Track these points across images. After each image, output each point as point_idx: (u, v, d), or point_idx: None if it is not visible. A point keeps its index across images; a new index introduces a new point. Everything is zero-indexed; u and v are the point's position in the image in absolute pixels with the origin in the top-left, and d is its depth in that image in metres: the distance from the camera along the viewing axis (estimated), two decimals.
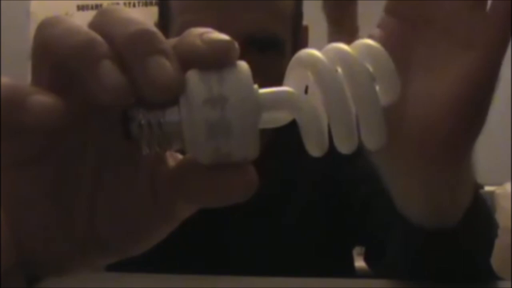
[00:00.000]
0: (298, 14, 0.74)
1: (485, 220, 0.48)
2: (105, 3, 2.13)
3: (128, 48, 0.24)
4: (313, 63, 0.27)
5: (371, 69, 0.27)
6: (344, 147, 0.27)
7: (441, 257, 0.48)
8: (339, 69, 0.27)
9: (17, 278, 0.27)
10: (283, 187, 0.75)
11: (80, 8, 2.18)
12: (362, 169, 0.63)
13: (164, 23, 0.72)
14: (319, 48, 0.27)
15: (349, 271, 0.79)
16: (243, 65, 0.25)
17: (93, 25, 0.26)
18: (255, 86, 0.26)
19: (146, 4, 2.15)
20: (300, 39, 0.74)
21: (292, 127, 0.28)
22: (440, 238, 0.46)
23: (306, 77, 0.27)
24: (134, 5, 2.16)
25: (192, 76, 0.25)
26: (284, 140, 0.63)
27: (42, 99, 0.24)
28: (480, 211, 0.49)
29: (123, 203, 0.28)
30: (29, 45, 0.26)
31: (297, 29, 0.74)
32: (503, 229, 0.38)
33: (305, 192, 0.75)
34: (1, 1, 2.21)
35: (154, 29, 0.25)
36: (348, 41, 0.28)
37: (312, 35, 0.75)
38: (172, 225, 0.29)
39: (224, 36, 0.25)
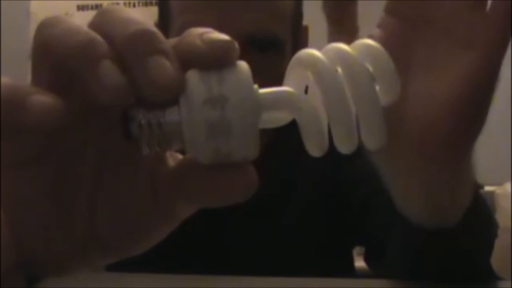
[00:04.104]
0: (298, 14, 0.74)
1: (485, 220, 0.48)
2: (105, 3, 2.13)
3: (128, 48, 0.24)
4: (313, 63, 0.27)
5: (371, 69, 0.27)
6: (344, 147, 0.27)
7: (441, 257, 0.48)
8: (339, 69, 0.27)
9: (17, 278, 0.27)
10: (283, 187, 0.75)
11: (80, 8, 2.18)
12: (362, 169, 0.63)
13: (164, 23, 0.72)
14: (319, 48, 0.27)
15: (349, 271, 0.79)
16: (243, 65, 0.25)
17: (93, 25, 0.26)
18: (255, 86, 0.26)
19: (146, 4, 2.15)
20: (300, 39, 0.74)
21: (292, 127, 0.28)
22: (440, 238, 0.46)
23: (306, 77, 0.27)
24: (134, 5, 2.16)
25: (192, 76, 0.25)
26: (284, 140, 0.63)
27: (42, 99, 0.24)
28: (480, 211, 0.49)
29: (123, 203, 0.28)
30: (29, 45, 0.26)
31: (297, 29, 0.74)
32: (503, 229, 0.38)
33: (305, 192, 0.75)
34: (1, 1, 2.21)
35: (154, 29, 0.25)
36: (348, 41, 0.28)
37: (312, 35, 0.75)
38: (172, 225, 0.29)
39: (224, 36, 0.25)
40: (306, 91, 0.28)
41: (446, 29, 0.41)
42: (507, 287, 0.42)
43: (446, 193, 0.44)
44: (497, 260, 0.38)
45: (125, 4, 2.13)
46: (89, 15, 0.39)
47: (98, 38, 0.25)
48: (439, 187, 0.44)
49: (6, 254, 0.26)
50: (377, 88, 0.27)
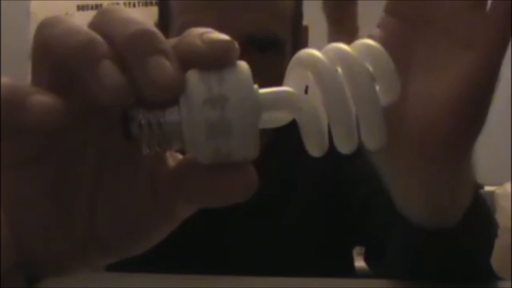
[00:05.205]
0: (298, 14, 0.74)
1: (485, 220, 0.48)
2: (105, 3, 2.13)
3: (128, 48, 0.24)
4: (313, 63, 0.27)
5: (371, 69, 0.27)
6: (344, 147, 0.27)
7: (441, 257, 0.48)
8: (339, 69, 0.27)
9: (17, 278, 0.27)
10: (283, 187, 0.75)
11: (80, 8, 2.18)
12: (362, 169, 0.63)
13: (164, 23, 0.72)
14: (319, 48, 0.27)
15: (349, 271, 0.79)
16: (243, 65, 0.25)
17: (93, 25, 0.26)
18: (255, 86, 0.26)
19: (146, 4, 2.15)
20: (300, 39, 0.74)
21: (292, 127, 0.28)
22: (440, 238, 0.46)
23: (306, 77, 0.27)
24: (134, 5, 2.16)
25: (192, 76, 0.25)
26: (284, 140, 0.63)
27: (42, 99, 0.24)
28: (480, 211, 0.49)
29: (123, 203, 0.28)
30: (29, 45, 0.26)
31: (297, 29, 0.74)
32: (503, 229, 0.38)
33: (305, 192, 0.75)
34: (1, 1, 2.21)
35: (154, 29, 0.25)
36: (348, 41, 0.28)
37: (312, 35, 0.75)
38: (172, 225, 0.29)
39: (224, 36, 0.25)
40: (306, 91, 0.28)
41: (446, 29, 0.41)
42: (507, 287, 0.42)
43: (446, 193, 0.44)
44: (497, 260, 0.38)
45: (125, 4, 2.13)
46: (89, 15, 0.39)
47: (98, 38, 0.25)
48: (439, 187, 0.44)
49: (6, 254, 0.26)
50: (377, 88, 0.27)
